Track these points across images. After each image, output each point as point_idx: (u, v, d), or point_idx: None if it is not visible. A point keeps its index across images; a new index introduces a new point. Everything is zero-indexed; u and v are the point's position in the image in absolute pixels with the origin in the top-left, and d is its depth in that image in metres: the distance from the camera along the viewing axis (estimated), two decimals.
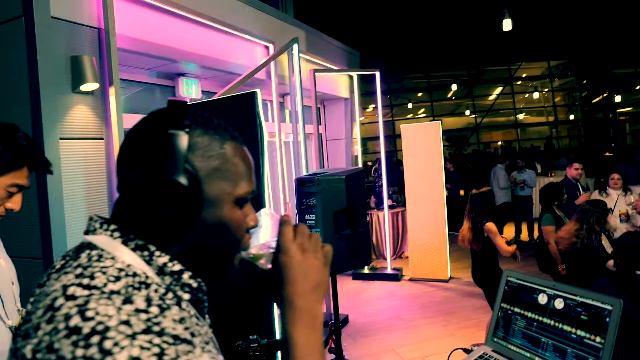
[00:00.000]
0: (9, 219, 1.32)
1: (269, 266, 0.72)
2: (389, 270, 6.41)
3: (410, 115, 23.02)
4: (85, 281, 0.54)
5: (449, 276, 6.10)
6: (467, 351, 1.27)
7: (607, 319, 1.04)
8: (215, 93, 4.61)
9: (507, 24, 8.54)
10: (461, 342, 4.21)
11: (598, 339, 1.04)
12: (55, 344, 0.49)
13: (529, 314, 1.18)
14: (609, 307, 1.05)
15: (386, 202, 6.72)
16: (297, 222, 2.72)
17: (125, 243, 0.61)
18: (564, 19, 15.62)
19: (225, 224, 0.66)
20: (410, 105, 22.64)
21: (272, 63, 4.69)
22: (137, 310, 0.53)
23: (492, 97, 23.20)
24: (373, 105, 18.46)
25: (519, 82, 23.24)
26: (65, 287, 0.54)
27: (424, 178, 6.15)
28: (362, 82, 8.11)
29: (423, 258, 6.20)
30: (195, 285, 0.64)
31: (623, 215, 4.48)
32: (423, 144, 6.16)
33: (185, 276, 0.63)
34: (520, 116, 22.95)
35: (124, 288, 0.55)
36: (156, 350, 0.50)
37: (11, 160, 1.18)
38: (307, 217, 2.71)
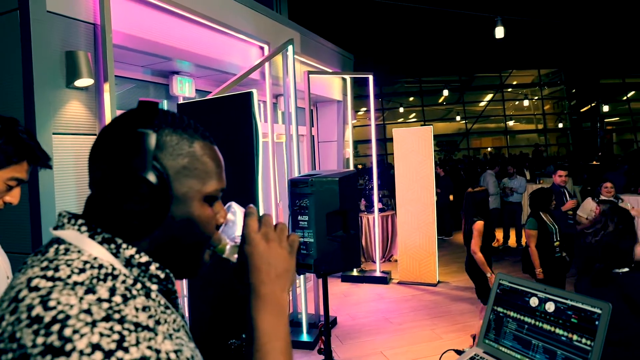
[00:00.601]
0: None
1: (236, 256, 0.75)
2: (377, 273, 6.44)
3: (401, 120, 23.15)
4: (50, 273, 0.56)
5: (437, 280, 6.15)
6: (459, 352, 1.29)
7: (596, 322, 1.07)
8: (209, 92, 4.61)
9: (499, 32, 8.64)
10: (448, 345, 4.23)
11: (587, 342, 1.07)
12: (17, 333, 0.50)
13: (520, 317, 1.21)
14: (599, 311, 1.08)
15: (377, 205, 6.76)
16: (290, 222, 2.73)
17: (92, 237, 0.63)
18: (554, 29, 15.85)
19: (194, 221, 0.67)
20: (401, 110, 22.77)
21: (266, 64, 4.69)
22: (99, 300, 0.54)
23: (482, 104, 23.42)
24: (364, 109, 18.54)
25: (510, 90, 23.49)
26: (29, 280, 0.55)
27: (414, 182, 6.20)
28: (355, 85, 8.15)
29: (412, 262, 6.24)
30: (162, 276, 0.66)
31: None
32: (414, 148, 6.21)
33: (152, 267, 0.65)
34: (510, 123, 23.19)
35: (88, 279, 0.56)
36: (116, 337, 0.51)
37: (11, 153, 1.18)
38: (299, 217, 2.72)
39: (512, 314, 1.23)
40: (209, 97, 3.25)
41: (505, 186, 8.03)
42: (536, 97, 23.46)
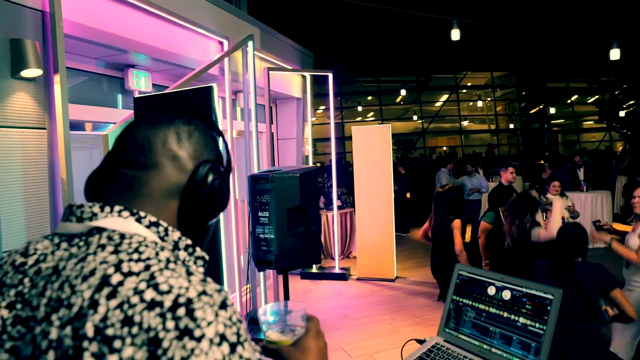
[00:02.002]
0: None
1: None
2: (336, 270, 6.49)
3: (359, 118, 23.42)
4: (135, 256, 0.55)
5: (395, 276, 6.26)
6: (421, 342, 1.33)
7: (549, 307, 1.12)
8: (167, 87, 4.49)
9: (455, 34, 8.88)
10: (406, 339, 4.33)
11: (540, 326, 1.12)
12: (135, 317, 0.50)
13: (479, 305, 1.26)
14: (551, 297, 1.14)
15: (335, 202, 6.81)
16: (250, 218, 2.71)
17: (138, 221, 0.62)
18: (507, 34, 16.50)
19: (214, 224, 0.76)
20: (360, 108, 23.02)
21: (226, 59, 4.63)
22: (204, 281, 0.55)
23: (438, 104, 24.06)
24: (323, 107, 18.62)
25: (464, 91, 24.25)
26: (114, 265, 0.54)
27: (373, 180, 6.28)
28: (314, 83, 8.16)
29: (370, 258, 6.32)
30: (207, 257, 0.69)
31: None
32: (373, 146, 6.29)
33: (198, 249, 0.68)
34: (465, 123, 23.94)
35: (172, 256, 0.58)
36: (235, 329, 0.53)
37: None
38: (260, 214, 2.71)
39: (471, 302, 1.27)
40: (167, 91, 3.17)
41: (472, 186, 8.08)
42: (489, 99, 24.34)
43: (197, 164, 0.68)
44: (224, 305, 0.53)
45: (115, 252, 0.56)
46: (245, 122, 4.92)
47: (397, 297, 5.54)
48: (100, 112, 4.10)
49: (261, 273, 4.61)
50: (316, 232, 2.81)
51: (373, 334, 4.46)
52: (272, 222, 2.67)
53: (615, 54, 9.62)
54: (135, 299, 0.51)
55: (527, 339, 1.13)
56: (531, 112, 24.43)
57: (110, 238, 0.58)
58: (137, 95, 4.12)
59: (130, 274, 0.53)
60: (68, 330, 0.50)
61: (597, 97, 24.03)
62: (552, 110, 23.28)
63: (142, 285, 0.52)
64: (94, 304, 0.51)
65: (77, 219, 0.62)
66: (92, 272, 0.54)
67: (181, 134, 0.68)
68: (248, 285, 4.50)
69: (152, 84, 4.41)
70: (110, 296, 0.51)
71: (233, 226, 4.60)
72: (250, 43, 4.76)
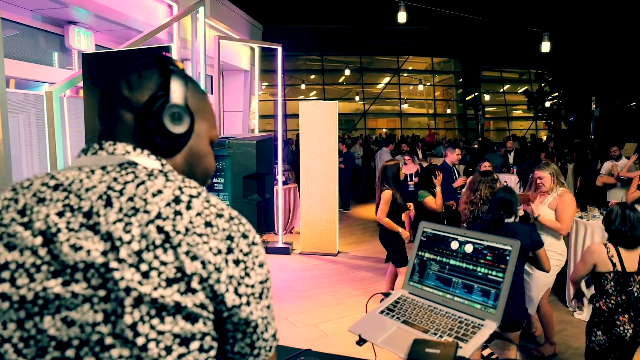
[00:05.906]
0: None
1: None
2: (280, 244, 6.54)
3: (302, 97, 23.36)
4: (187, 183, 0.71)
5: (337, 250, 6.42)
6: (387, 295, 1.40)
7: (507, 257, 1.24)
8: (110, 49, 4.26)
9: (401, 17, 9.04)
10: (349, 309, 4.50)
11: (499, 274, 1.24)
12: (212, 222, 0.67)
13: (442, 259, 1.35)
14: (509, 248, 1.25)
15: (281, 177, 6.82)
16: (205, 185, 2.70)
17: (148, 156, 0.74)
18: (449, 20, 17.02)
19: (204, 155, 0.82)
20: (303, 86, 22.94)
21: (174, 24, 4.45)
22: None
23: (380, 86, 24.49)
24: (266, 84, 18.40)
25: (405, 74, 24.84)
26: (178, 187, 0.68)
27: (319, 155, 6.35)
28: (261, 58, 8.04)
29: (314, 233, 6.43)
30: None
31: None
32: (320, 123, 6.33)
33: None
34: (405, 106, 24.60)
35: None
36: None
37: None
38: (215, 180, 2.68)
39: (434, 257, 1.37)
40: (120, 48, 3.01)
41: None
42: (429, 84, 25.12)
43: (145, 100, 0.73)
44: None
45: (168, 179, 0.69)
46: None
47: (339, 270, 5.70)
48: (33, 69, 3.82)
49: None
50: (271, 200, 2.84)
51: (317, 305, 4.58)
52: (227, 189, 2.65)
53: (545, 47, 10.24)
54: (207, 211, 0.67)
55: (487, 286, 1.24)
56: (467, 98, 25.55)
57: (151, 174, 0.69)
58: (76, 54, 3.88)
59: (193, 195, 0.68)
60: (152, 227, 0.63)
61: (526, 87, 25.55)
62: (487, 98, 24.51)
63: (205, 203, 0.68)
64: (177, 213, 0.65)
65: (108, 154, 0.72)
66: (160, 191, 0.66)
67: (132, 79, 0.75)
68: None
69: (95, 45, 4.16)
70: (188, 208, 0.66)
71: None
72: (201, 9, 4.60)
